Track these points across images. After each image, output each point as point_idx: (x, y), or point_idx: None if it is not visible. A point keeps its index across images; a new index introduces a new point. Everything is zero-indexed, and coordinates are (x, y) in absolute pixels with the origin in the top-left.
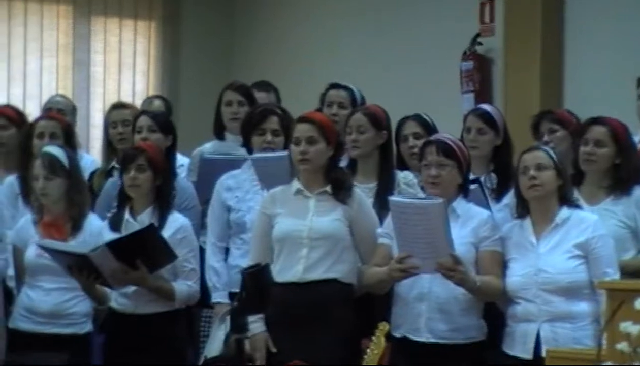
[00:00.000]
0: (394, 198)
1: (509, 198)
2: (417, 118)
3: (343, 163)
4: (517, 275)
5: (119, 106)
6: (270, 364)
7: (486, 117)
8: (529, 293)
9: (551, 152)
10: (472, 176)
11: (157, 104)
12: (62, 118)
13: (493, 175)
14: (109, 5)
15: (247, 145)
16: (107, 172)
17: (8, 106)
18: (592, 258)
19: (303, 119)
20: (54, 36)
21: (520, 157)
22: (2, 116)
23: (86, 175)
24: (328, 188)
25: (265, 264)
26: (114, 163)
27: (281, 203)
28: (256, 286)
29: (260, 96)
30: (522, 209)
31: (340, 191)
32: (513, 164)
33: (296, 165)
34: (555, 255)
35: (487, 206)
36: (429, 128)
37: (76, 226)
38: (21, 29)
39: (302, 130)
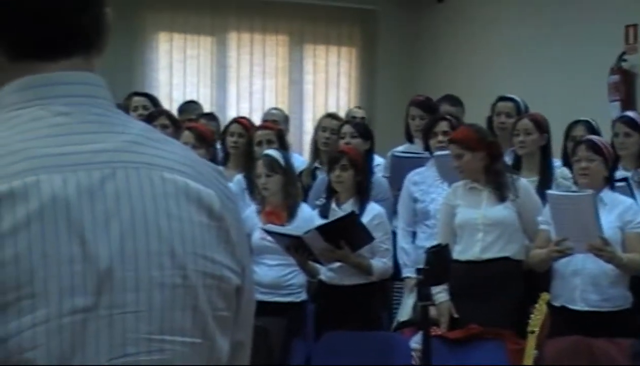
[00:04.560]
0: (550, 192)
1: None
2: (586, 123)
3: (508, 160)
4: None
5: (332, 116)
6: (453, 327)
7: (631, 123)
8: None
9: None
10: (622, 174)
11: (358, 112)
12: (274, 126)
13: None
14: (317, 35)
15: (428, 147)
16: (312, 171)
17: (244, 118)
18: None
19: (450, 141)
20: (273, 61)
21: None
22: (241, 125)
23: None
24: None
25: (445, 245)
26: (316, 163)
27: (460, 196)
28: (438, 262)
29: (447, 109)
30: None
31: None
32: None
33: None
34: None
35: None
36: (594, 132)
37: (291, 213)
38: (247, 56)
39: (451, 149)
